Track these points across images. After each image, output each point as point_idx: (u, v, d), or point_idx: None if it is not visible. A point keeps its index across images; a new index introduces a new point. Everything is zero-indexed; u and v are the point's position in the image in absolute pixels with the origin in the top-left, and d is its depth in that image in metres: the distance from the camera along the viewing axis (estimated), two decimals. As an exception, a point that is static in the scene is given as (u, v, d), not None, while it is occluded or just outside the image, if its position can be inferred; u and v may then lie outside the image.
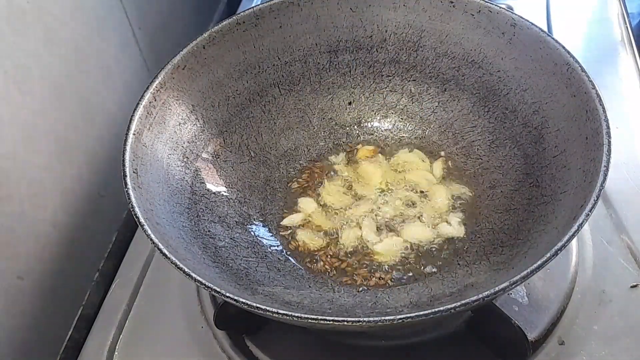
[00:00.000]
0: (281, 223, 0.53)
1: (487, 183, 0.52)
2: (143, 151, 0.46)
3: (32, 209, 0.51)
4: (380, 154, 0.57)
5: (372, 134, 0.59)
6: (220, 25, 0.52)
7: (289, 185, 0.56)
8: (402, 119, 0.58)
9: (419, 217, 0.52)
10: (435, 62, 0.55)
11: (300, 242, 0.52)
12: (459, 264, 0.48)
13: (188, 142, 0.51)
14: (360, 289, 0.48)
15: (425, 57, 0.55)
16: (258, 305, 0.36)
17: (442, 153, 0.56)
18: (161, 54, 0.73)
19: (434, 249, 0.50)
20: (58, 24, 0.54)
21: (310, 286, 0.48)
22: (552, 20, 0.75)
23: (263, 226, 0.53)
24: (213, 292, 0.37)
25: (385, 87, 0.58)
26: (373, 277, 0.49)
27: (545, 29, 0.56)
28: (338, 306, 0.45)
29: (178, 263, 0.38)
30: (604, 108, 0.41)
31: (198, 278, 0.37)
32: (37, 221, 0.52)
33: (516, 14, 0.49)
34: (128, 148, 0.45)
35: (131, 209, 0.41)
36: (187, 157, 0.51)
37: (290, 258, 0.51)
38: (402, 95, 0.58)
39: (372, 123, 0.59)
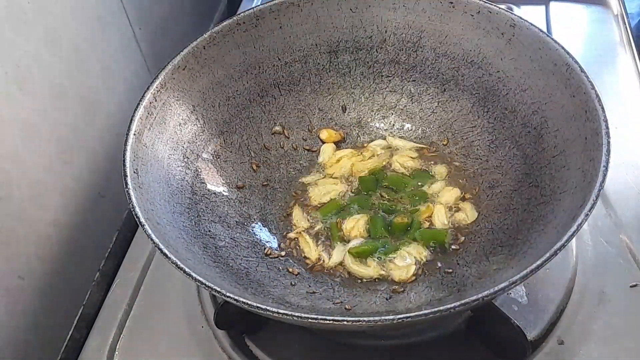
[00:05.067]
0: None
1: (487, 183, 0.52)
2: (143, 151, 0.46)
3: (33, 209, 0.52)
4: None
5: (371, 134, 0.59)
6: (220, 26, 0.52)
7: (289, 185, 0.56)
8: (401, 119, 0.58)
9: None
10: (434, 63, 0.55)
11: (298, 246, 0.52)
12: (458, 263, 0.48)
13: (188, 142, 0.52)
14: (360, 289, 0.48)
15: (425, 58, 0.56)
16: (258, 305, 0.36)
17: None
18: (161, 54, 0.73)
19: (434, 249, 0.50)
20: (59, 24, 0.54)
21: (310, 286, 0.48)
22: (552, 20, 0.75)
23: (263, 226, 0.53)
24: (213, 292, 0.37)
25: (385, 88, 0.58)
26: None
27: (545, 29, 0.56)
28: (338, 305, 0.45)
29: (178, 263, 0.38)
30: (603, 108, 0.42)
31: (198, 278, 0.37)
32: (37, 221, 0.52)
33: (515, 15, 0.49)
34: (128, 148, 0.45)
35: (132, 209, 0.41)
36: (187, 157, 0.51)
37: (289, 258, 0.51)
38: (402, 95, 0.58)
39: (371, 123, 0.59)
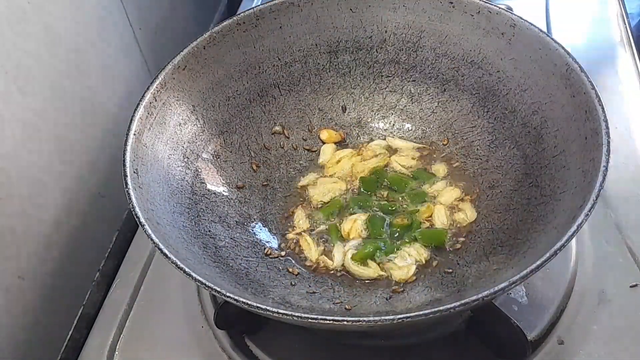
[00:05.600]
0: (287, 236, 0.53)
1: (487, 183, 0.52)
2: (143, 151, 0.46)
3: (33, 209, 0.52)
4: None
5: (371, 134, 0.59)
6: (220, 26, 0.52)
7: (289, 185, 0.56)
8: (401, 119, 0.58)
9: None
10: (434, 63, 0.55)
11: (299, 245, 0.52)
12: (458, 263, 0.48)
13: (188, 142, 0.52)
14: (360, 289, 0.48)
15: (425, 58, 0.56)
16: (258, 305, 0.36)
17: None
18: (162, 54, 0.74)
19: (434, 250, 0.50)
20: (59, 24, 0.54)
21: (310, 286, 0.48)
22: (552, 20, 0.75)
23: (263, 226, 0.53)
24: (213, 292, 0.37)
25: (385, 88, 0.58)
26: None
27: (545, 29, 0.56)
28: (338, 306, 0.46)
29: (178, 263, 0.38)
30: (603, 108, 0.42)
31: (198, 278, 0.38)
32: (37, 221, 0.52)
33: (515, 15, 0.49)
34: (128, 148, 0.45)
35: (132, 209, 0.41)
36: (187, 157, 0.51)
37: (290, 258, 0.51)
38: (402, 95, 0.58)
39: (371, 123, 0.59)
